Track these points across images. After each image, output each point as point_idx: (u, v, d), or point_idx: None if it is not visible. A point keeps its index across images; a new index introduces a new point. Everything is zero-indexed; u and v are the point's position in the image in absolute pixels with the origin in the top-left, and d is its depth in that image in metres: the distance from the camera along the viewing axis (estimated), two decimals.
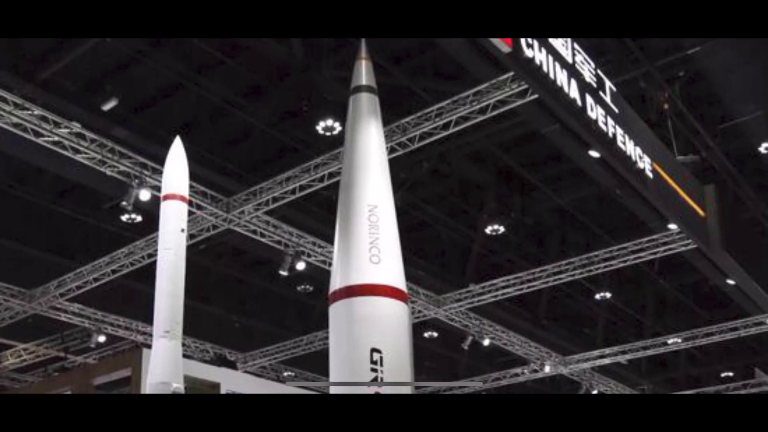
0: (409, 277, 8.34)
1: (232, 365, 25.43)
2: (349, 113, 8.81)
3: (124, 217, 18.15)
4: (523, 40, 9.20)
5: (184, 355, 11.58)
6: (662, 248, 20.35)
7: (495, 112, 15.66)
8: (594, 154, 12.35)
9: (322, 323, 19.61)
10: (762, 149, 18.46)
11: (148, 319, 11.51)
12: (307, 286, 24.09)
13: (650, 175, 13.20)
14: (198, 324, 23.18)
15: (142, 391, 12.52)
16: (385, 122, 10.18)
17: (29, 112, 15.12)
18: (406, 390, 7.46)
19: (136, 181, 16.60)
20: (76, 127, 15.81)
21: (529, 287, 22.61)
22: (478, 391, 33.41)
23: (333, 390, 7.53)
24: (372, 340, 7.40)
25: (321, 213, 19.65)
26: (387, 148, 10.73)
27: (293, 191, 17.77)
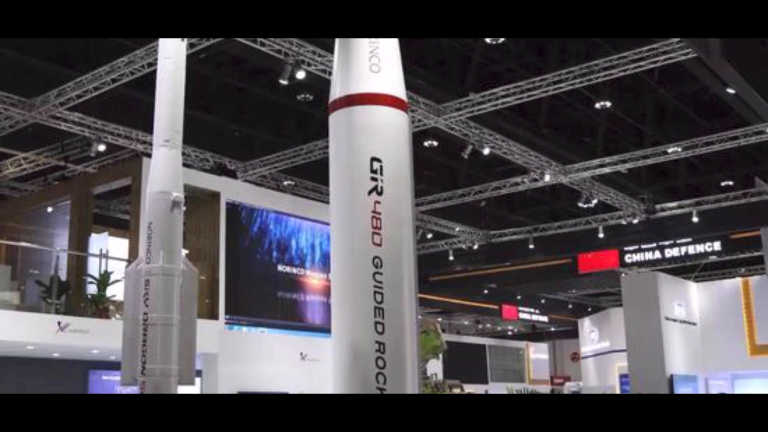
0: (409, 86, 8.30)
1: (231, 174, 25.68)
2: None
3: None
4: None
5: (184, 164, 11.69)
6: (662, 57, 20.16)
7: None
8: None
9: (322, 132, 19.67)
10: None
11: (148, 128, 11.56)
12: (307, 95, 24.03)
13: None
14: (198, 133, 23.26)
15: (143, 199, 12.63)
16: None
17: None
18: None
19: None
20: None
21: (529, 96, 22.51)
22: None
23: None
24: (372, 149, 7.41)
25: None
26: None
27: None
